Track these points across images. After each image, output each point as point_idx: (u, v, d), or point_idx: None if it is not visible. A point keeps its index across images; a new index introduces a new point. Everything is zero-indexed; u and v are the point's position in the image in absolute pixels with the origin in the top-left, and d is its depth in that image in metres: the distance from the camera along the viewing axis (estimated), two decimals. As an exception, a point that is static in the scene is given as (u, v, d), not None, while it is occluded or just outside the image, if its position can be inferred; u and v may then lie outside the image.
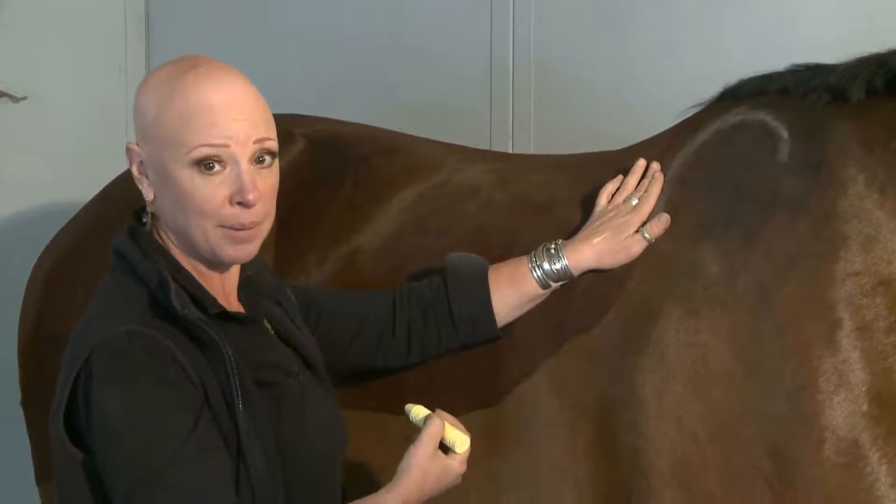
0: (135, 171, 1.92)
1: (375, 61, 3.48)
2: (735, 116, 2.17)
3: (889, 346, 1.91)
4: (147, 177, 1.90)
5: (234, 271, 1.98)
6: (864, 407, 1.90)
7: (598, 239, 2.12)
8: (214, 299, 1.90)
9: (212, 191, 1.84)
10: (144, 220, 1.93)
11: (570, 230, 2.20)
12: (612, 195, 2.19)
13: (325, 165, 2.49)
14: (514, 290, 2.12)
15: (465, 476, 2.11)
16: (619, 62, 3.19)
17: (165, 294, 1.83)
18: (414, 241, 2.32)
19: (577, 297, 2.13)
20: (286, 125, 2.59)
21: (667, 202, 2.14)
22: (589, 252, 2.11)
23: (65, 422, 1.82)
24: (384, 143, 2.55)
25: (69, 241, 2.66)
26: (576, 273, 2.12)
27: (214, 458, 1.79)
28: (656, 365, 2.02)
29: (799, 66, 2.18)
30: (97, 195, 2.68)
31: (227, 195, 1.85)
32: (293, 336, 2.03)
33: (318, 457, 1.94)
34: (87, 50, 3.70)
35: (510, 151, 3.27)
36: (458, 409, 2.16)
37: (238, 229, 1.86)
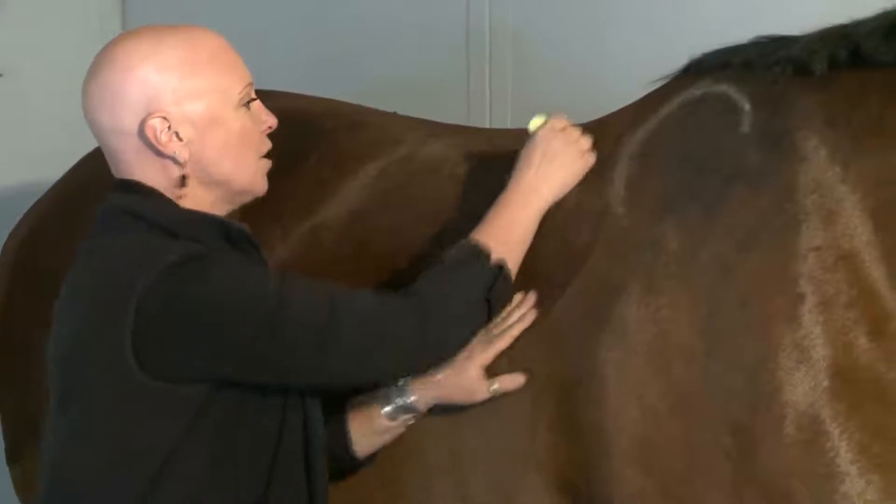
0: (164, 140, 1.92)
1: (350, 36, 3.46)
2: (698, 90, 2.15)
3: (850, 321, 1.89)
4: (179, 139, 1.92)
5: None
6: (825, 382, 1.88)
7: (441, 375, 2.08)
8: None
9: (255, 124, 2.01)
10: (183, 185, 1.95)
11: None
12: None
13: (291, 141, 2.47)
14: (366, 426, 2.12)
15: (427, 455, 2.10)
16: (597, 34, 3.17)
17: (213, 219, 1.96)
18: (376, 217, 2.31)
19: (539, 275, 2.11)
20: (253, 101, 2.58)
21: (628, 177, 2.12)
22: (434, 391, 2.09)
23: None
24: (350, 118, 2.53)
25: (35, 221, 2.64)
26: (424, 409, 2.10)
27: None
28: (618, 342, 2.00)
29: (762, 38, 2.15)
30: (63, 176, 2.66)
31: (257, 126, 2.02)
32: None
33: None
34: (62, 23, 3.67)
35: (487, 125, 3.25)
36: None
37: (267, 157, 2.03)
